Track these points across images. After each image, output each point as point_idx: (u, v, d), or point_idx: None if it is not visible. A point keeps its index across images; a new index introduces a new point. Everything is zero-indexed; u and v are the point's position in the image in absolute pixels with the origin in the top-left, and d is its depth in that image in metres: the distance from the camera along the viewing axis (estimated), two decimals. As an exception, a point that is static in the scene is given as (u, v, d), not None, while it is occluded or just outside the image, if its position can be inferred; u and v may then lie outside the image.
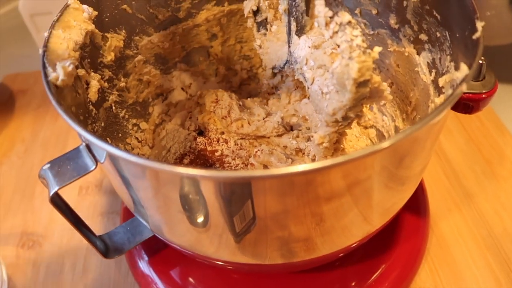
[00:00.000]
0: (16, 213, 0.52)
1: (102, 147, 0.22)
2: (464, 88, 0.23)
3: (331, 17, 0.28)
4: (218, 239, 0.30)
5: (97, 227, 0.50)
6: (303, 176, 0.22)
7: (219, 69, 0.51)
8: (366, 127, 0.47)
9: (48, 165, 0.30)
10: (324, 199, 0.25)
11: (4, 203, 0.53)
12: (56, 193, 0.30)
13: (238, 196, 0.24)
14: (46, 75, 0.28)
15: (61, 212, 0.31)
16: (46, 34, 0.31)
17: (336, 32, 0.28)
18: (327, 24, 0.28)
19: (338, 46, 0.28)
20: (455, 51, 0.31)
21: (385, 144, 0.21)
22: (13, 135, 0.61)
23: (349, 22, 0.28)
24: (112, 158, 0.26)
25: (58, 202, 0.31)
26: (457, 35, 0.31)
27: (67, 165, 0.29)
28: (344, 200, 0.26)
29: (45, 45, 0.30)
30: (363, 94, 0.29)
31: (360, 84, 0.28)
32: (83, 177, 0.51)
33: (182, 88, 0.49)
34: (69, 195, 0.53)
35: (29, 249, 0.48)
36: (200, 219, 0.28)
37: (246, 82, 0.53)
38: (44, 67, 0.29)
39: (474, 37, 0.26)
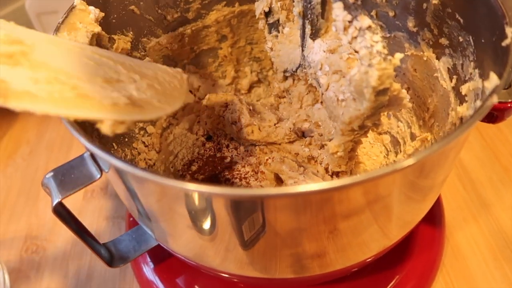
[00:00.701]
0: (20, 217, 0.51)
1: (107, 159, 0.21)
2: (495, 99, 0.21)
3: (350, 22, 0.26)
4: (225, 252, 0.28)
5: (102, 232, 0.49)
6: (319, 194, 0.21)
7: (228, 71, 0.50)
8: (380, 133, 0.45)
9: (52, 173, 0.29)
10: (341, 217, 0.23)
11: (9, 206, 0.52)
12: (60, 203, 0.29)
13: (249, 213, 0.22)
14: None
15: (64, 222, 0.30)
16: (50, 36, 0.29)
17: (355, 38, 0.26)
18: (345, 29, 0.27)
19: (357, 52, 0.26)
20: (480, 57, 0.29)
21: (410, 161, 0.20)
22: (18, 137, 0.60)
23: (369, 27, 0.26)
24: (117, 169, 0.24)
25: (61, 211, 0.30)
26: (483, 41, 0.29)
27: (71, 173, 0.28)
28: (363, 216, 0.24)
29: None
30: (382, 102, 0.28)
31: (379, 92, 0.27)
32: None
33: (191, 91, 0.48)
34: (74, 199, 0.52)
35: (33, 254, 0.47)
36: (208, 234, 0.26)
37: (256, 84, 0.51)
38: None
39: (503, 43, 0.25)
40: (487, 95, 0.22)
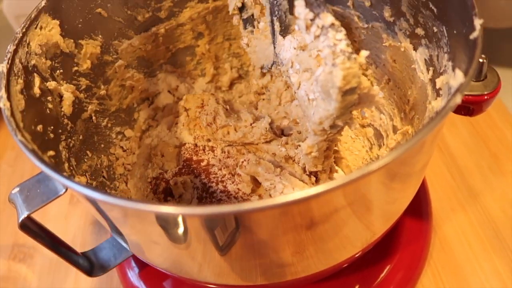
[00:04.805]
0: (7, 224, 0.51)
1: (57, 178, 0.20)
2: (458, 100, 0.20)
3: (312, 20, 0.25)
4: (202, 264, 0.28)
5: (88, 238, 0.49)
6: (288, 207, 0.20)
7: (207, 68, 0.49)
8: (363, 126, 0.44)
9: (17, 188, 0.28)
10: (317, 222, 0.23)
11: (-5, 214, 0.52)
12: (28, 218, 0.28)
13: (223, 229, 0.22)
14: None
15: (34, 237, 0.29)
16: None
17: (318, 36, 0.25)
18: (307, 28, 0.26)
19: (321, 51, 0.25)
20: (453, 49, 0.28)
21: (374, 166, 0.19)
22: (3, 142, 0.60)
23: (332, 25, 0.25)
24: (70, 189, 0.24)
25: (29, 226, 0.29)
26: (455, 32, 0.28)
27: (36, 188, 0.28)
28: (340, 217, 0.24)
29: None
30: (351, 102, 0.27)
31: (347, 92, 0.26)
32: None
33: (169, 91, 0.47)
34: (60, 204, 0.52)
35: (20, 262, 0.47)
36: (184, 248, 0.26)
37: (237, 81, 0.50)
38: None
39: (471, 36, 0.24)
40: (451, 94, 0.21)
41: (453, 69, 0.27)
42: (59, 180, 0.21)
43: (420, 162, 0.28)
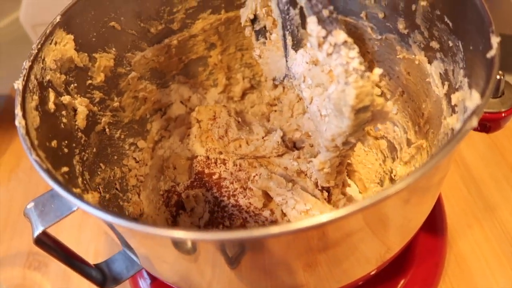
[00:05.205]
0: (22, 232, 0.51)
1: (68, 198, 0.21)
2: (475, 123, 0.20)
3: (324, 37, 0.25)
4: (209, 284, 0.28)
5: (102, 246, 0.49)
6: (302, 233, 0.20)
7: (219, 79, 0.49)
8: (376, 138, 0.44)
9: (32, 203, 0.28)
10: (331, 245, 0.23)
11: (11, 222, 0.53)
12: (43, 233, 0.28)
13: (232, 253, 0.22)
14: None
15: (48, 252, 0.30)
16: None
17: (330, 54, 0.25)
18: (320, 45, 0.25)
19: (333, 69, 0.25)
20: (469, 65, 0.28)
21: (391, 190, 0.19)
22: (19, 150, 0.61)
23: (345, 42, 0.25)
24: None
25: (45, 241, 0.29)
26: (471, 48, 0.27)
27: (51, 203, 0.28)
28: (354, 239, 0.23)
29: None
30: (364, 119, 0.26)
31: (360, 110, 0.25)
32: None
33: (182, 102, 0.47)
34: (74, 213, 0.52)
35: (35, 270, 0.48)
36: (191, 265, 0.26)
37: (249, 91, 0.50)
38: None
39: (488, 55, 0.23)
40: (468, 115, 0.21)
41: (469, 87, 0.27)
42: (70, 200, 0.21)
43: (437, 177, 0.28)
